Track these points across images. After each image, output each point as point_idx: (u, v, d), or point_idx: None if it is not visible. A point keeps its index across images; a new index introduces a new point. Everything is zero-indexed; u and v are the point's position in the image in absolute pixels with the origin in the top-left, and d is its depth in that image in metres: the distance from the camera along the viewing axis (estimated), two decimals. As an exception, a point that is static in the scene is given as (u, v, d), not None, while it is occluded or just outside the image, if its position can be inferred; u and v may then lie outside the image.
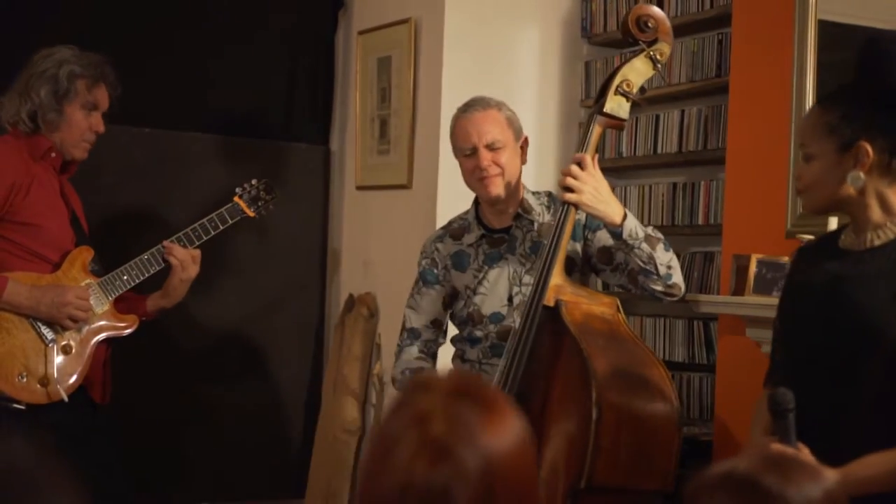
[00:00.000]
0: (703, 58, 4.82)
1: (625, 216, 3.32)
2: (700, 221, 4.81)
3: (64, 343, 3.77)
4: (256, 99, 5.50)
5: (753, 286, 4.01)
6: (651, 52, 3.39)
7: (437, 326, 3.71)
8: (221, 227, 4.06)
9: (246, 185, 4.18)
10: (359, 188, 5.60)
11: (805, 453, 2.50)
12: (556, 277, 3.29)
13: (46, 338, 3.75)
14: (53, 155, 3.84)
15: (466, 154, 3.57)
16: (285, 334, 5.56)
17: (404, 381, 3.60)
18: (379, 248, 5.40)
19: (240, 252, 5.35)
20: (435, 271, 3.70)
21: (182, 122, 5.30)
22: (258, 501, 5.48)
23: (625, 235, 3.32)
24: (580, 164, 3.31)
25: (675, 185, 4.94)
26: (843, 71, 4.09)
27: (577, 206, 3.30)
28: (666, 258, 3.38)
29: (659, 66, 3.40)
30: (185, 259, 3.93)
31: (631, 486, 3.12)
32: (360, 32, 5.56)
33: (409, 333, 3.71)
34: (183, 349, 5.29)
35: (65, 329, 3.77)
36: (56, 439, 3.65)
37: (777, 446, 2.51)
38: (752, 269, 4.02)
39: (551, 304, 3.27)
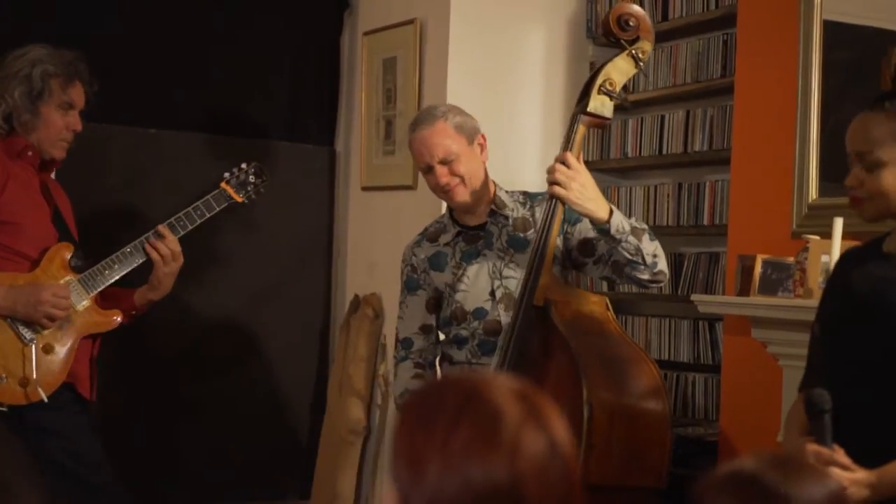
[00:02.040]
0: (708, 58, 4.82)
1: (611, 212, 3.33)
2: (705, 222, 4.81)
3: (44, 342, 3.68)
4: (261, 99, 5.50)
5: (759, 287, 4.00)
6: (633, 51, 3.40)
7: (428, 332, 3.71)
8: (208, 215, 3.96)
9: (234, 170, 4.06)
10: (364, 189, 5.60)
11: (840, 454, 2.49)
12: (545, 277, 3.30)
13: (25, 338, 3.66)
14: (30, 154, 3.76)
15: (424, 171, 3.61)
16: (290, 335, 5.56)
17: None
18: (384, 248, 5.39)
19: (244, 252, 5.34)
20: (415, 276, 3.71)
21: (186, 123, 5.30)
22: (263, 503, 5.48)
23: (612, 231, 3.32)
24: (564, 163, 3.32)
25: (680, 185, 4.94)
26: (849, 71, 4.10)
27: (564, 201, 3.30)
28: (651, 248, 3.39)
29: (641, 64, 3.42)
30: (167, 254, 3.83)
31: (625, 483, 3.13)
32: (366, 33, 5.56)
33: (403, 344, 3.73)
34: (186, 350, 5.28)
35: (44, 328, 3.67)
36: (40, 439, 3.56)
37: (813, 447, 2.50)
38: (758, 269, 4.01)
39: (540, 303, 3.27)
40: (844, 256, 2.91)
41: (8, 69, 3.75)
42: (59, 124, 3.77)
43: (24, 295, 3.62)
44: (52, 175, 3.97)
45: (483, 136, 3.64)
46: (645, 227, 3.43)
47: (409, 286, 3.72)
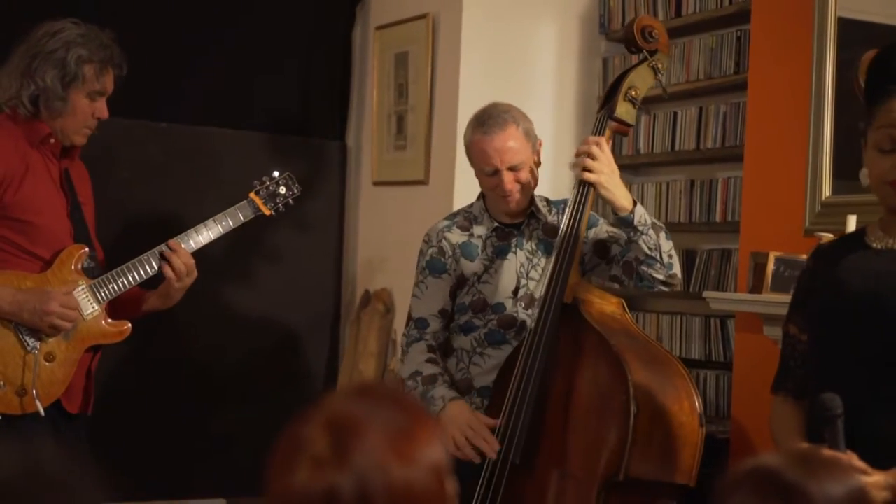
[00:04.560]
0: (721, 54, 4.81)
1: (635, 202, 3.32)
2: (718, 219, 4.80)
3: (48, 350, 3.46)
4: (273, 94, 5.50)
5: (771, 284, 3.99)
6: (653, 63, 3.43)
7: (445, 316, 3.66)
8: (233, 226, 3.76)
9: (265, 179, 3.84)
10: (375, 184, 5.60)
11: (856, 458, 2.46)
12: (574, 275, 3.29)
13: (28, 345, 3.44)
14: (53, 141, 3.54)
15: (487, 174, 3.54)
16: (301, 330, 5.56)
17: (414, 389, 3.58)
18: (395, 243, 5.39)
19: (255, 247, 5.34)
20: (443, 260, 3.64)
21: (198, 116, 5.30)
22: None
23: (636, 221, 3.30)
24: (598, 146, 3.31)
25: (692, 181, 4.93)
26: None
27: (594, 185, 3.29)
28: (668, 247, 3.38)
29: (659, 76, 3.43)
30: (180, 270, 3.63)
31: (660, 479, 3.15)
32: (378, 28, 5.56)
33: (417, 324, 3.64)
34: (197, 345, 5.29)
35: (48, 337, 3.46)
36: (29, 450, 3.52)
37: (828, 453, 2.46)
38: (770, 266, 4.00)
39: (569, 300, 3.27)
40: (818, 254, 2.85)
41: (40, 47, 3.52)
42: (86, 112, 3.56)
43: (31, 301, 3.41)
44: (76, 158, 3.73)
45: (540, 142, 3.62)
46: (662, 225, 3.42)
47: (434, 268, 3.64)
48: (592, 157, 3.28)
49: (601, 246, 3.53)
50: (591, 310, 3.27)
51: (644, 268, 3.38)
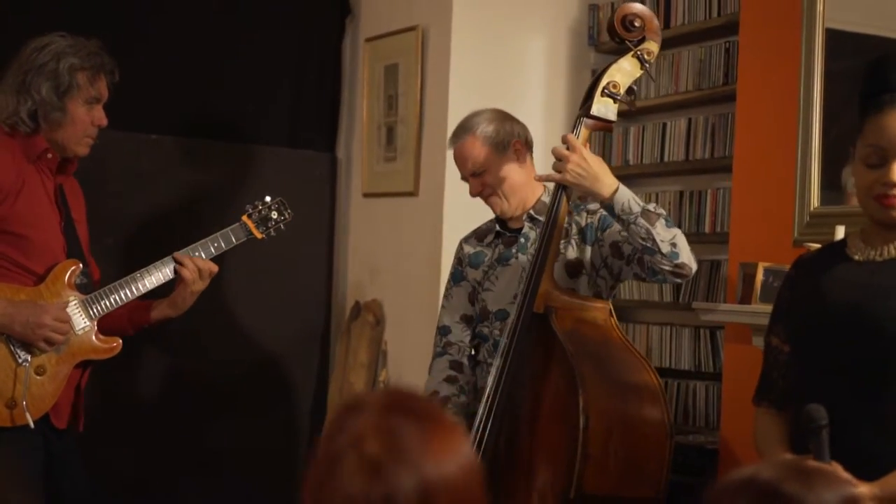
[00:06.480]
0: (710, 66, 4.82)
1: (616, 191, 3.26)
2: (707, 230, 4.81)
3: (38, 364, 3.46)
4: (263, 106, 5.50)
5: (760, 294, 4.00)
6: (638, 52, 3.36)
7: (468, 322, 3.72)
8: (225, 248, 3.78)
9: (257, 203, 3.88)
10: (365, 195, 5.60)
11: (841, 469, 2.47)
12: (545, 283, 3.27)
13: (19, 357, 3.44)
14: (50, 156, 3.56)
15: (466, 181, 3.69)
16: (291, 341, 5.55)
17: None
18: (385, 255, 5.40)
19: (245, 258, 5.33)
20: (460, 269, 3.76)
21: (188, 128, 5.30)
22: (263, 508, 5.47)
23: (617, 210, 3.26)
24: (566, 145, 3.31)
25: (681, 193, 4.94)
26: (851, 79, 4.10)
27: (560, 182, 3.29)
28: (668, 235, 3.25)
29: (647, 65, 3.38)
30: (204, 270, 3.69)
31: (621, 494, 3.10)
32: (368, 40, 5.57)
33: (440, 332, 3.75)
34: (187, 357, 5.28)
35: (40, 351, 3.46)
36: (18, 464, 3.40)
37: (819, 463, 2.46)
38: (759, 277, 4.01)
39: (540, 310, 3.25)
40: (800, 265, 2.86)
41: (31, 62, 3.55)
42: (85, 120, 3.58)
43: (24, 314, 3.42)
44: (70, 175, 3.75)
45: (520, 142, 3.64)
46: (662, 212, 3.29)
47: (455, 277, 3.78)
48: (558, 155, 3.29)
49: (616, 247, 3.50)
50: (564, 318, 3.23)
51: (647, 257, 3.29)
